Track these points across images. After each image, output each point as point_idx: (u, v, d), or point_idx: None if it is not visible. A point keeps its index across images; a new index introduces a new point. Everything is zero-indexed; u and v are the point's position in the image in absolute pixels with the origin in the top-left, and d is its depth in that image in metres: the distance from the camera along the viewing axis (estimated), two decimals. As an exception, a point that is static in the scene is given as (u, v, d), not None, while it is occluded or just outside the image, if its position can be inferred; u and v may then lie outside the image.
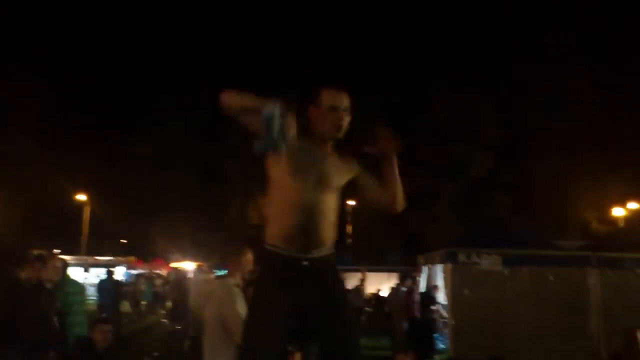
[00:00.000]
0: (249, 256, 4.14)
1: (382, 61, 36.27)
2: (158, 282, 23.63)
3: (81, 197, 35.22)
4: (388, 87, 31.63)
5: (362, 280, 15.99)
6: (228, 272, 4.29)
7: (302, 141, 2.88)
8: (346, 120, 2.90)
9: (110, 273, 14.55)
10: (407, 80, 33.96)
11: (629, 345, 5.26)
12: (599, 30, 28.75)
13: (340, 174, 2.94)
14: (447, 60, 34.74)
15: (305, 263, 2.81)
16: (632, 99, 26.65)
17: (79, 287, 7.03)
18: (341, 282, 3.05)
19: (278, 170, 2.86)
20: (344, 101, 2.89)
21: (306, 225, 2.79)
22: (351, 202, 26.00)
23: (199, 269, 24.65)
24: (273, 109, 2.51)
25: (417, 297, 12.48)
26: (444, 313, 12.53)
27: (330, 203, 2.88)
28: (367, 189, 3.05)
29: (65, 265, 7.05)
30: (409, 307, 12.11)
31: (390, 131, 2.93)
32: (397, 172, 3.00)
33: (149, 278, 23.19)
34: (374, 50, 35.53)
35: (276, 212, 2.89)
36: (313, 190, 2.82)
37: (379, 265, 20.75)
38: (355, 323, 3.08)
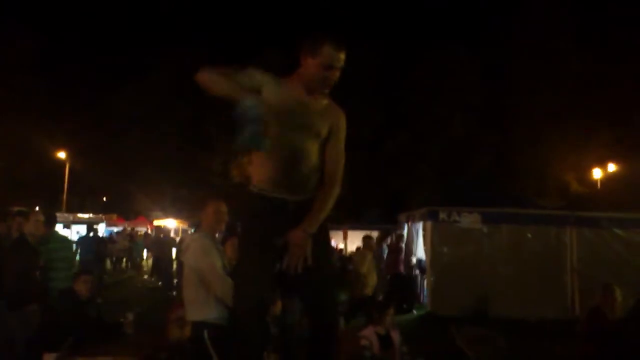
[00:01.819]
0: (219, 208, 4.05)
1: (366, 22, 36.03)
2: (139, 239, 23.68)
3: (61, 154, 34.79)
4: (372, 49, 31.41)
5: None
6: (200, 226, 4.28)
7: (290, 84, 2.86)
8: (337, 77, 2.82)
9: (93, 230, 14.49)
10: (392, 42, 33.77)
11: (607, 299, 5.39)
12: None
13: (322, 120, 2.87)
14: (432, 22, 34.58)
15: (292, 206, 2.83)
16: (613, 61, 26.71)
17: (64, 243, 6.82)
18: (325, 230, 2.95)
19: None
20: (342, 59, 2.78)
21: (291, 167, 2.79)
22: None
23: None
24: (252, 105, 2.43)
25: (402, 255, 12.59)
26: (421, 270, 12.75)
27: (314, 149, 2.85)
28: (326, 151, 2.91)
29: (53, 219, 6.89)
30: (395, 263, 12.21)
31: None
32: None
33: (130, 235, 23.20)
34: (359, 10, 35.27)
35: (262, 156, 2.87)
36: (297, 135, 2.79)
37: (360, 223, 20.90)
38: (334, 273, 3.06)
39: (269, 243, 2.77)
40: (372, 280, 9.41)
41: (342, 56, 2.79)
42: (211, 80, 2.70)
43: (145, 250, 23.43)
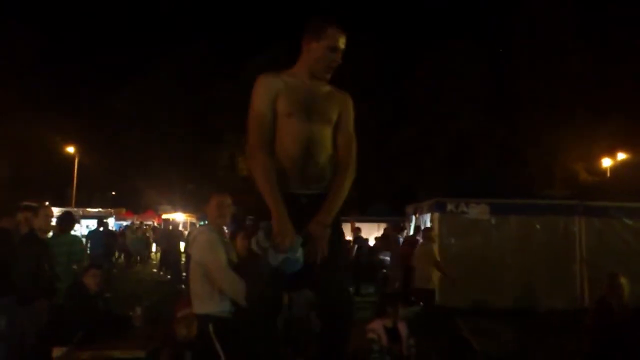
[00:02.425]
0: (222, 202, 4.06)
1: (373, 16, 35.99)
2: (148, 233, 23.77)
3: (70, 149, 34.88)
4: (379, 43, 31.41)
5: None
6: (208, 221, 4.29)
7: (293, 74, 2.87)
8: (340, 60, 2.83)
9: (103, 224, 14.51)
10: (398, 35, 33.70)
11: (613, 289, 5.37)
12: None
13: (333, 105, 2.88)
14: (438, 15, 34.49)
15: (303, 200, 2.80)
16: (622, 50, 26.52)
17: (72, 246, 6.49)
18: (338, 223, 2.90)
19: (277, 110, 2.83)
20: (344, 42, 2.82)
21: (303, 159, 2.76)
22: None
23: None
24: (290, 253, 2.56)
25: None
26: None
27: (326, 136, 2.84)
28: (337, 134, 2.90)
29: (69, 221, 6.71)
30: (410, 256, 12.10)
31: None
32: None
33: (139, 229, 23.28)
34: (365, 4, 35.23)
35: (277, 145, 2.84)
36: (312, 123, 2.79)
37: (368, 215, 20.89)
38: (347, 267, 3.03)
39: None
40: (435, 273, 9.23)
41: (344, 39, 2.83)
42: (254, 176, 2.74)
43: (154, 244, 23.55)
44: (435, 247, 9.43)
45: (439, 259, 9.27)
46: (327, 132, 2.86)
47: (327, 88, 2.91)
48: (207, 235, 3.96)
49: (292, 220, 2.66)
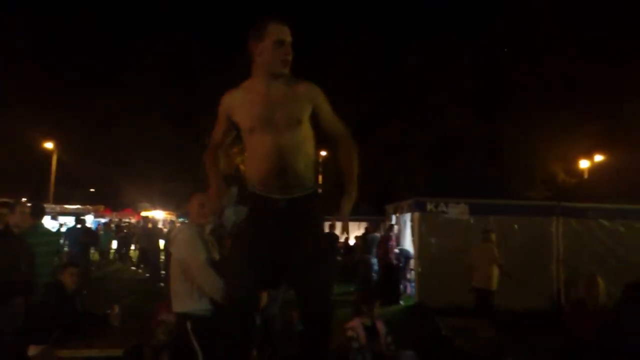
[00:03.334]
0: (203, 201, 3.98)
1: (360, 12, 36.08)
2: (126, 230, 23.58)
3: (48, 144, 34.42)
4: (365, 39, 31.47)
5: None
6: (189, 218, 4.28)
7: (249, 86, 2.88)
8: (291, 54, 2.81)
9: (81, 221, 14.36)
10: (384, 32, 33.81)
11: (590, 290, 5.44)
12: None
13: (297, 105, 2.83)
14: (423, 13, 34.68)
15: (282, 204, 2.83)
16: (599, 53, 26.88)
17: (47, 237, 6.46)
18: (319, 223, 3.02)
19: (239, 125, 2.93)
20: (289, 33, 2.80)
21: (277, 166, 2.79)
22: (322, 152, 26.05)
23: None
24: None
25: (394, 245, 12.56)
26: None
27: (297, 138, 2.82)
28: (322, 123, 2.95)
29: (40, 211, 6.58)
30: (386, 254, 12.18)
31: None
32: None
33: (117, 227, 23.07)
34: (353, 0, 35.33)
35: (250, 157, 2.93)
36: (274, 136, 2.79)
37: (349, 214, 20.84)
38: (330, 266, 3.07)
39: (257, 242, 2.82)
40: (496, 274, 9.08)
41: (288, 30, 2.82)
42: (207, 167, 3.05)
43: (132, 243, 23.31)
44: (495, 248, 9.21)
45: (500, 260, 9.03)
46: (299, 135, 2.85)
47: (287, 87, 2.85)
48: (187, 232, 3.96)
49: (271, 222, 2.83)
